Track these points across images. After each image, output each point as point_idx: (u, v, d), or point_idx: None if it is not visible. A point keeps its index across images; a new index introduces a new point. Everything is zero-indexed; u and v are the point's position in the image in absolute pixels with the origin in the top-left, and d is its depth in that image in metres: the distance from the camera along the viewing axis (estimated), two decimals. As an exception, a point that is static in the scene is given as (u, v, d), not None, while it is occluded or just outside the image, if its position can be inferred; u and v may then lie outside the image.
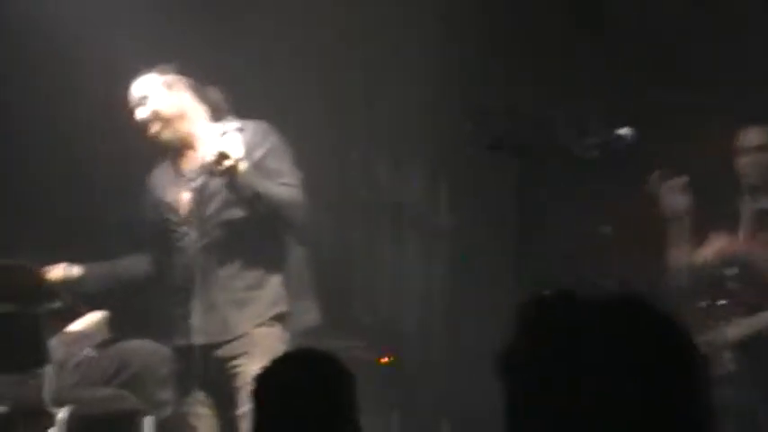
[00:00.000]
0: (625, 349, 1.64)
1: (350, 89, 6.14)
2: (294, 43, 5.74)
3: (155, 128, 4.23)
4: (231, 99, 4.34)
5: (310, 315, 4.40)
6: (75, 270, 4.31)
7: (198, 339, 4.15)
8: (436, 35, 5.87)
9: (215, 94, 4.31)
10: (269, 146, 4.17)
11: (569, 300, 1.77)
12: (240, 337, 4.16)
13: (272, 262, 4.24)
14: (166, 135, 4.24)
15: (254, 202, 4.08)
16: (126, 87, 4.30)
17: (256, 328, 4.17)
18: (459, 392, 5.71)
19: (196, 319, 4.14)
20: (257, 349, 4.09)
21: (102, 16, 5.23)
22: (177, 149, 4.27)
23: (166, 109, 4.22)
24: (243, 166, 4.05)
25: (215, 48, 5.27)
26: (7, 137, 5.43)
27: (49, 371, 4.28)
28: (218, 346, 4.16)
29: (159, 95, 4.22)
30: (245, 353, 4.12)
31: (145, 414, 4.48)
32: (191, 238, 4.16)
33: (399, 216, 6.33)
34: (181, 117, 4.23)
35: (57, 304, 4.35)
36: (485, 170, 5.07)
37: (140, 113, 4.25)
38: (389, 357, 5.97)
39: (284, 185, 4.14)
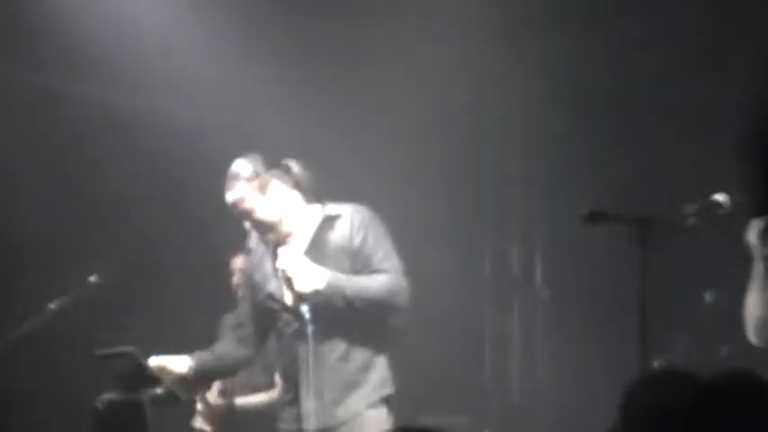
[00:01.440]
0: (738, 427, 1.60)
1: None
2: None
3: (256, 230, 4.29)
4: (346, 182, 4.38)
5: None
6: (186, 364, 4.32)
7: (308, 424, 4.14)
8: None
9: (305, 177, 4.34)
10: (365, 232, 4.18)
11: (676, 379, 1.74)
12: (350, 420, 4.15)
13: (378, 344, 4.23)
14: (267, 234, 4.29)
15: (347, 303, 4.10)
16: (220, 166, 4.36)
17: (365, 410, 4.16)
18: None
19: (305, 404, 4.14)
20: (367, 431, 4.08)
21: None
22: (276, 238, 4.31)
23: (265, 215, 4.23)
24: (322, 282, 4.07)
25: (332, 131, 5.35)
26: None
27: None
28: (329, 430, 4.15)
29: (256, 202, 4.22)
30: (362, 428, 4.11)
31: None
32: (295, 325, 4.18)
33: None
34: (280, 219, 4.26)
35: (160, 390, 4.39)
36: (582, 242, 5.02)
37: (243, 219, 4.28)
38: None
39: (379, 273, 4.15)
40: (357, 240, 4.16)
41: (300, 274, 4.08)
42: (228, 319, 4.82)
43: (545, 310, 6.37)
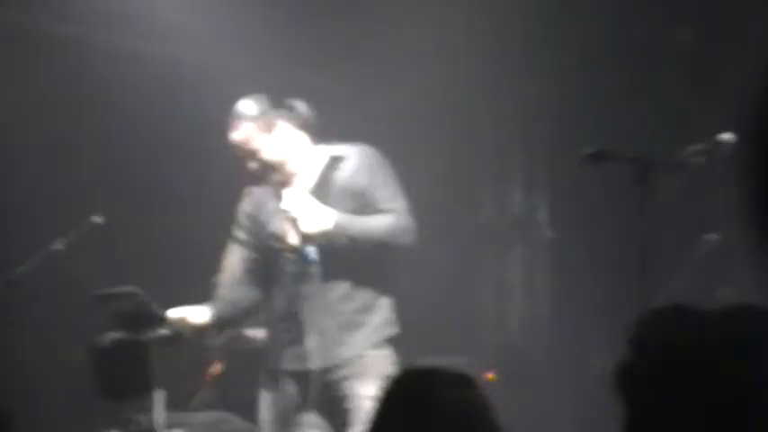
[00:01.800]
0: (743, 361, 1.60)
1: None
2: (416, 62, 5.75)
3: (260, 171, 4.25)
4: (341, 121, 4.35)
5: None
6: (205, 315, 4.32)
7: (311, 364, 4.16)
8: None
9: (311, 117, 4.30)
10: (370, 171, 4.16)
11: (684, 314, 1.74)
12: (352, 359, 4.16)
13: (381, 284, 4.24)
14: (272, 175, 4.26)
15: (353, 244, 4.09)
16: (224, 109, 4.32)
17: (368, 351, 4.17)
18: (564, 407, 5.65)
19: (308, 343, 4.16)
20: (369, 371, 4.10)
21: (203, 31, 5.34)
22: (281, 179, 4.28)
23: (271, 156, 4.20)
24: (329, 222, 4.06)
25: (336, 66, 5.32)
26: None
27: (157, 396, 4.34)
28: (331, 369, 4.17)
29: (261, 142, 4.19)
30: (357, 375, 4.13)
31: (253, 435, 4.52)
32: (298, 266, 4.18)
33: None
34: (286, 159, 4.24)
35: (164, 331, 4.41)
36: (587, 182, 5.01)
37: (246, 161, 4.24)
38: (493, 374, 5.93)
39: (385, 212, 4.13)
40: (361, 180, 4.15)
41: (306, 214, 4.07)
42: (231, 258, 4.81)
43: (546, 251, 6.38)
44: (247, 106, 4.21)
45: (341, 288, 4.17)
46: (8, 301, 5.01)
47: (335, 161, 4.22)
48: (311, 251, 4.10)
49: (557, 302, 6.23)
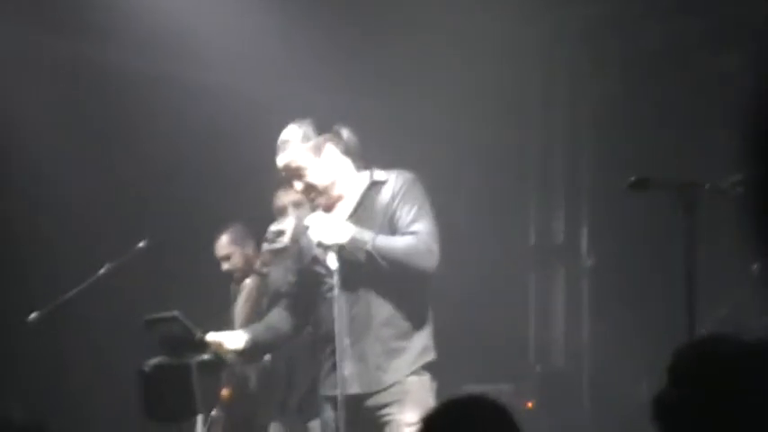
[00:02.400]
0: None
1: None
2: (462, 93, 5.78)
3: (305, 194, 4.31)
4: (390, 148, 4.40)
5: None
6: (242, 339, 4.36)
7: (350, 389, 4.18)
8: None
9: (355, 142, 4.36)
10: (402, 195, 4.21)
11: (721, 344, 1.74)
12: (392, 386, 4.17)
13: (420, 311, 4.25)
14: (316, 198, 4.31)
15: (370, 260, 4.12)
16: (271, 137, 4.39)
17: (407, 377, 4.18)
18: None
19: (347, 369, 4.18)
20: (408, 398, 4.10)
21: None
22: (324, 202, 4.34)
23: (316, 179, 4.26)
24: (345, 236, 4.11)
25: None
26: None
27: (199, 421, 4.37)
28: (370, 395, 4.18)
29: (308, 166, 4.25)
30: (397, 401, 4.13)
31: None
32: (339, 290, 4.22)
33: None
34: (332, 182, 4.30)
35: (206, 356, 4.44)
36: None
37: (293, 184, 4.31)
38: (533, 402, 5.91)
39: (409, 235, 4.15)
40: (395, 203, 4.20)
41: (322, 227, 4.13)
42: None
43: (589, 279, 6.35)
44: (295, 131, 4.27)
45: (381, 314, 4.19)
46: (58, 326, 5.09)
47: (376, 186, 4.27)
48: (332, 260, 4.14)
49: (599, 330, 6.19)
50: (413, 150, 5.14)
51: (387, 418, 4.13)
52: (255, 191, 4.97)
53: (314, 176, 4.24)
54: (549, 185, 6.58)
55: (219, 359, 4.36)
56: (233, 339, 4.31)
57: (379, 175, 4.29)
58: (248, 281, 5.31)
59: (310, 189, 4.26)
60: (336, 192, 4.28)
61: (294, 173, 4.26)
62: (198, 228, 5.94)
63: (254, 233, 5.24)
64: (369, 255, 4.11)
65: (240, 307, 5.02)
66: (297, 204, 4.80)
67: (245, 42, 5.68)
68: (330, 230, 4.13)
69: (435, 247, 4.18)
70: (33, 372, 5.79)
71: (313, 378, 4.44)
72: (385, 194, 4.23)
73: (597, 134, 6.04)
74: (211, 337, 4.27)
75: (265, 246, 4.90)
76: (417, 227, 4.17)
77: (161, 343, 4.52)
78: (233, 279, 5.42)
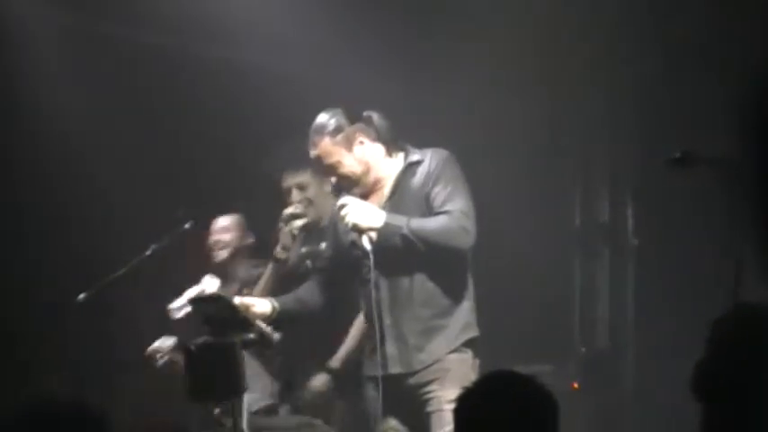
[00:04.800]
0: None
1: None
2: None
3: (341, 183, 4.33)
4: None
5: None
6: (269, 305, 4.40)
7: (391, 370, 4.19)
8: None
9: (387, 127, 4.36)
10: (438, 174, 4.22)
11: (760, 312, 1.74)
12: (432, 365, 4.18)
13: (459, 289, 4.26)
14: (352, 186, 4.33)
15: (405, 242, 4.14)
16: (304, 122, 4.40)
17: (448, 355, 4.19)
18: (653, 416, 5.58)
19: (388, 349, 4.19)
20: (449, 375, 4.13)
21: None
22: (361, 190, 4.36)
23: (350, 169, 4.30)
24: (379, 222, 4.13)
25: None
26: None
27: (244, 399, 4.40)
28: (411, 375, 4.20)
29: (340, 156, 4.29)
30: (438, 380, 4.16)
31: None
32: (375, 272, 4.23)
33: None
34: (366, 171, 4.32)
35: (251, 334, 4.47)
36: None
37: (328, 174, 4.35)
38: (577, 383, 5.89)
39: (443, 214, 4.16)
40: (430, 183, 4.21)
41: (356, 211, 4.16)
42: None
43: (634, 259, 6.31)
44: (325, 121, 4.31)
45: (420, 294, 4.20)
46: (107, 305, 5.14)
47: (411, 167, 4.29)
48: (365, 241, 4.17)
49: (643, 310, 6.15)
50: (456, 132, 5.12)
51: (428, 396, 4.15)
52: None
53: (347, 168, 4.29)
54: (594, 166, 6.53)
55: (264, 337, 4.39)
56: (261, 304, 4.36)
57: (414, 155, 4.30)
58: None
59: (344, 180, 4.30)
60: (371, 179, 4.31)
61: (327, 166, 4.32)
62: (240, 208, 5.97)
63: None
64: (404, 238, 4.13)
65: (258, 293, 5.04)
66: (301, 186, 4.83)
67: (287, 24, 5.68)
68: (364, 215, 4.16)
69: (470, 225, 4.18)
70: (81, 352, 5.85)
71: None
72: (420, 175, 4.25)
73: (641, 112, 5.98)
74: (240, 300, 4.31)
75: (284, 228, 4.90)
76: (451, 206, 4.17)
77: (206, 322, 4.56)
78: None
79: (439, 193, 4.19)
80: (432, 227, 4.14)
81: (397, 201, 4.25)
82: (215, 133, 5.94)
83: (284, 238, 4.91)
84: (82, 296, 4.97)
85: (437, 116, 5.67)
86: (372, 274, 4.18)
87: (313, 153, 4.32)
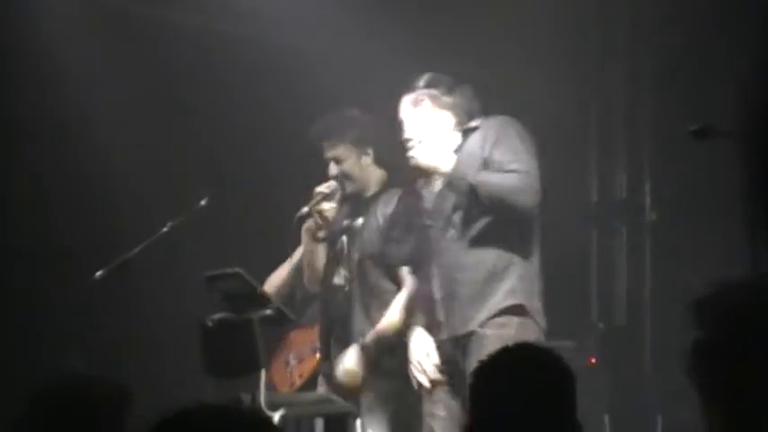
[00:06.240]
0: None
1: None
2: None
3: (405, 142, 4.30)
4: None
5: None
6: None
7: (441, 334, 4.20)
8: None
9: (456, 98, 4.33)
10: (498, 137, 4.17)
11: (737, 289, 1.73)
12: (478, 329, 4.14)
13: (510, 254, 4.19)
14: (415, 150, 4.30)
15: (472, 193, 4.09)
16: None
17: (492, 319, 4.13)
18: (669, 391, 5.57)
19: (438, 314, 4.20)
20: (492, 341, 4.03)
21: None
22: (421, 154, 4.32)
23: (414, 133, 4.27)
24: (448, 165, 4.12)
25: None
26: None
27: (263, 375, 4.41)
28: (459, 339, 4.17)
29: (407, 117, 4.29)
30: (482, 345, 4.07)
31: (355, 416, 4.56)
32: (435, 232, 4.24)
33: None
34: (427, 137, 4.27)
35: (269, 311, 4.48)
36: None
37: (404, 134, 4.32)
38: (595, 358, 5.88)
39: (508, 172, 4.10)
40: (488, 146, 4.17)
41: (423, 148, 4.16)
42: None
43: (652, 234, 6.29)
44: (416, 79, 4.31)
45: (471, 258, 4.16)
46: (124, 282, 5.15)
47: (466, 134, 4.27)
48: (427, 197, 4.22)
49: (660, 286, 6.13)
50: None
51: (469, 362, 4.10)
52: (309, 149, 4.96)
53: (410, 129, 4.27)
54: (611, 141, 6.50)
55: (281, 314, 4.40)
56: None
57: (472, 123, 4.29)
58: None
59: (407, 141, 4.28)
60: (432, 144, 4.25)
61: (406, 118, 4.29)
62: (259, 185, 5.97)
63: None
64: (471, 187, 4.09)
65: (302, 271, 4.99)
66: (338, 159, 4.76)
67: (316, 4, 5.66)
68: (431, 153, 4.16)
69: (537, 186, 4.11)
70: (99, 328, 5.88)
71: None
72: (475, 139, 4.22)
73: (658, 87, 5.94)
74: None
75: (316, 208, 4.82)
76: (516, 165, 4.10)
77: (223, 299, 4.57)
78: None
79: (503, 155, 4.12)
80: (497, 180, 4.07)
81: (454, 168, 4.19)
82: (238, 115, 5.93)
83: (318, 218, 4.81)
84: (99, 273, 4.97)
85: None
86: (432, 235, 4.18)
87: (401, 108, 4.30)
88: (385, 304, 4.56)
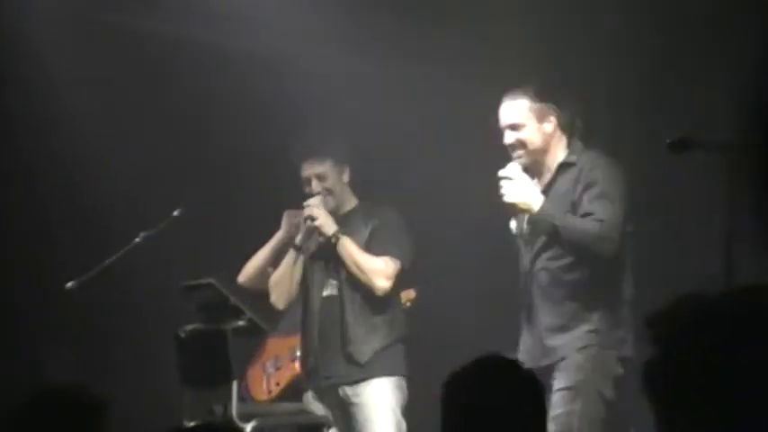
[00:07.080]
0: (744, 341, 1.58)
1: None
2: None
3: (513, 150, 4.30)
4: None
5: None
6: None
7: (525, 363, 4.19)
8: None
9: (576, 122, 4.34)
10: (591, 180, 4.19)
11: (688, 302, 1.72)
12: (560, 361, 4.17)
13: (595, 290, 4.22)
14: (524, 158, 4.29)
15: (554, 234, 4.13)
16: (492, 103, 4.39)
17: (575, 353, 4.16)
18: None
19: (523, 342, 4.25)
20: (572, 373, 4.13)
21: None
22: (527, 162, 4.32)
23: (531, 140, 4.27)
24: (535, 203, 4.14)
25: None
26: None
27: (234, 386, 4.37)
28: (540, 369, 4.08)
29: (530, 124, 4.27)
30: (563, 376, 4.14)
31: (328, 427, 4.53)
32: (525, 259, 4.28)
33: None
34: (540, 150, 4.29)
35: (242, 321, 4.45)
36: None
37: (507, 135, 4.30)
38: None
39: (595, 221, 4.12)
40: (580, 188, 4.18)
41: (517, 188, 4.16)
42: None
43: (629, 245, 6.25)
44: (519, 93, 4.30)
45: (558, 291, 4.19)
46: (98, 292, 5.11)
47: (564, 167, 4.27)
48: (512, 224, 4.22)
49: (638, 296, 6.11)
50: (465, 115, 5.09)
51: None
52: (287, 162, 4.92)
53: (528, 135, 4.25)
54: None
55: (254, 325, 4.37)
56: None
57: (570, 156, 4.29)
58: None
59: (520, 145, 4.27)
60: (540, 160, 4.28)
61: (512, 125, 4.28)
62: (232, 195, 5.93)
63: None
64: (554, 229, 4.12)
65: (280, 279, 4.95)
66: (320, 177, 4.73)
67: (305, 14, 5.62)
68: (525, 193, 4.15)
69: (616, 236, 4.15)
70: (73, 339, 5.83)
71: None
72: (569, 179, 4.23)
73: (640, 97, 5.93)
74: None
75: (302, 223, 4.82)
76: (601, 213, 4.13)
77: (198, 309, 4.54)
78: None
79: (589, 198, 4.15)
80: (581, 228, 4.12)
81: (546, 198, 4.21)
82: (227, 126, 5.88)
83: (310, 229, 4.80)
84: (70, 284, 4.93)
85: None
86: (527, 261, 4.20)
87: (503, 113, 4.29)
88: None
